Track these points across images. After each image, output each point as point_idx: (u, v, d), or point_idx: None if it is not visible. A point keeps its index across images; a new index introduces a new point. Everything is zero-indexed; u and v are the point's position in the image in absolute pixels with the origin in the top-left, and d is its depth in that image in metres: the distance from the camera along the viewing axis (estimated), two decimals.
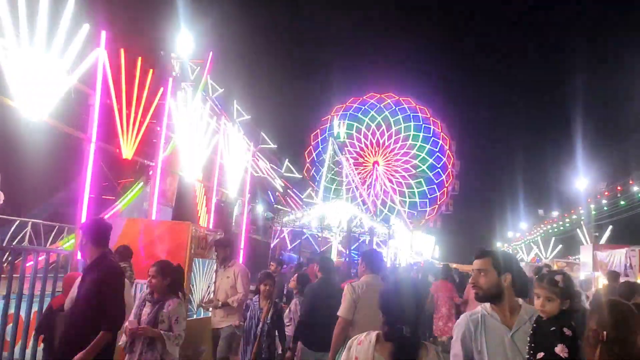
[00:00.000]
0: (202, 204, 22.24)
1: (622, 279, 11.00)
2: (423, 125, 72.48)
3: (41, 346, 6.25)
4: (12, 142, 12.59)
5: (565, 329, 3.12)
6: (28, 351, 6.66)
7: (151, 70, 10.98)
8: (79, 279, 5.11)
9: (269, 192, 38.49)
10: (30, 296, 6.60)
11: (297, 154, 63.97)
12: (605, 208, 37.76)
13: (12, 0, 7.55)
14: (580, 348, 3.03)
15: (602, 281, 18.87)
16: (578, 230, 40.01)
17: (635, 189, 33.58)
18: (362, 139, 73.00)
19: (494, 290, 3.43)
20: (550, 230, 59.86)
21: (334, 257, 32.92)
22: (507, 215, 72.27)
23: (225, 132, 16.67)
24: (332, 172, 56.75)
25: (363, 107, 74.49)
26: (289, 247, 37.82)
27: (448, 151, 71.68)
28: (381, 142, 72.79)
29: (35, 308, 6.72)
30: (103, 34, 9.03)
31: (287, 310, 8.24)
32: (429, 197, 71.65)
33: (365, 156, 72.28)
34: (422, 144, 72.02)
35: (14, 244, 10.73)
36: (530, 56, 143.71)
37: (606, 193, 37.16)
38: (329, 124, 67.81)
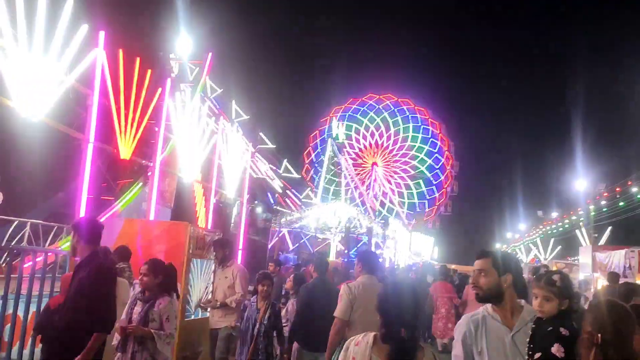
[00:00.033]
0: (200, 204, 22.22)
1: (621, 280, 11.01)
2: (422, 126, 72.50)
3: (39, 347, 6.23)
4: (10, 142, 12.57)
5: (562, 329, 3.11)
6: (26, 351, 6.65)
7: (149, 71, 10.97)
8: None
9: (269, 193, 38.44)
10: (28, 296, 6.58)
11: (295, 154, 63.96)
12: (605, 209, 37.74)
13: (10, 0, 7.54)
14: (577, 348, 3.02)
15: (601, 282, 18.88)
16: (577, 231, 39.91)
17: (634, 190, 33.58)
18: (361, 140, 73.01)
19: (495, 290, 3.42)
20: (549, 232, 59.81)
21: (332, 258, 32.91)
22: (506, 216, 72.23)
23: (223, 132, 16.66)
24: (331, 173, 56.75)
25: (362, 108, 74.50)
26: (291, 247, 37.83)
27: (447, 152, 71.69)
28: (380, 143, 72.80)
29: (33, 308, 6.71)
30: (101, 34, 9.03)
31: (284, 311, 8.22)
32: (427, 198, 71.71)
33: (364, 157, 72.29)
34: (421, 145, 72.04)
35: (12, 244, 10.72)
36: (530, 57, 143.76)
37: (605, 194, 37.12)
38: (327, 125, 67.82)
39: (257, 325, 6.55)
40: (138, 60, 10.40)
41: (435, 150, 71.93)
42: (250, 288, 8.12)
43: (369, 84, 77.07)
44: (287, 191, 42.73)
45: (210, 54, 26.23)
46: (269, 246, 31.07)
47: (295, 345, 6.77)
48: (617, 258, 18.27)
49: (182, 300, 7.37)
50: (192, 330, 7.82)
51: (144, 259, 7.25)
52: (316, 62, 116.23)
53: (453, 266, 30.52)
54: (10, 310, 6.42)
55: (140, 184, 18.45)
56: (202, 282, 8.27)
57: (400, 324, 3.03)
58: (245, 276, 8.28)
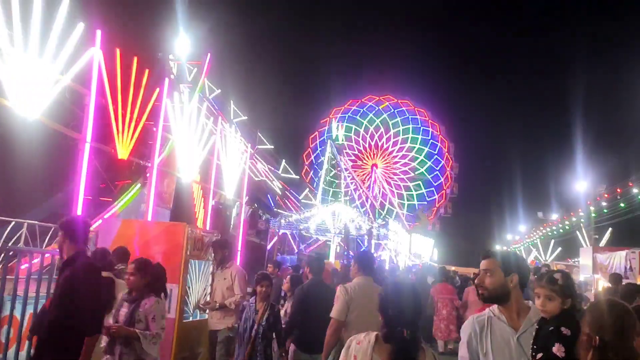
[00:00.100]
0: (200, 205, 22.17)
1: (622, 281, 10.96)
2: (422, 127, 72.48)
3: None
4: (8, 142, 12.52)
5: (562, 328, 3.05)
6: (22, 353, 6.59)
7: (147, 71, 10.92)
8: None
9: (268, 195, 38.39)
10: (24, 298, 6.52)
11: (294, 155, 63.95)
12: (605, 210, 37.71)
13: None
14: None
15: (602, 283, 18.86)
16: (577, 232, 39.96)
17: (635, 191, 33.55)
18: (361, 142, 72.98)
19: (500, 290, 3.38)
20: (549, 233, 59.85)
21: (332, 259, 32.85)
22: (506, 217, 72.29)
23: (222, 132, 16.61)
24: (331, 174, 56.72)
25: (362, 110, 74.48)
26: (296, 250, 37.77)
27: (447, 154, 71.66)
28: (380, 144, 72.79)
29: (30, 310, 6.65)
30: (98, 33, 8.97)
31: (283, 312, 8.17)
32: (427, 199, 71.64)
33: (364, 159, 72.28)
34: (421, 147, 72.02)
35: (9, 245, 10.65)
36: (530, 58, 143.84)
37: (606, 195, 37.09)
38: (327, 127, 67.82)
39: (255, 327, 6.49)
40: (135, 59, 10.34)
41: (435, 152, 71.90)
42: (250, 289, 8.06)
43: (368, 85, 77.15)
44: (286, 192, 42.67)
45: (208, 54, 26.25)
46: (268, 247, 31.01)
47: (291, 347, 6.73)
48: (618, 259, 18.27)
49: (181, 301, 7.32)
50: (191, 332, 7.78)
51: None
52: (315, 63, 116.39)
53: (453, 268, 30.52)
54: (6, 312, 6.36)
55: (139, 185, 18.41)
56: (200, 283, 8.22)
57: (402, 323, 3.04)
58: (244, 277, 8.25)
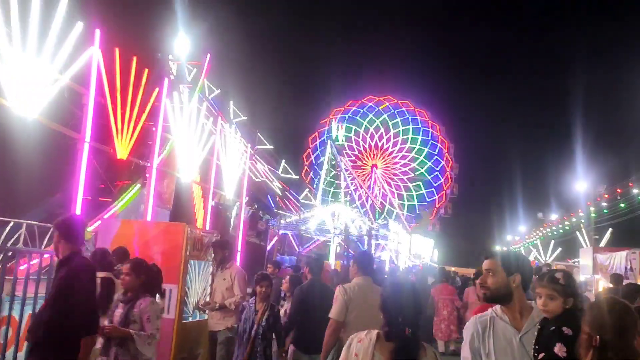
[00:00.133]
0: (199, 206, 22.12)
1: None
2: (422, 128, 72.46)
3: None
4: (5, 142, 12.47)
5: (564, 328, 3.02)
6: (21, 354, 6.55)
7: (146, 70, 10.89)
8: None
9: (269, 196, 38.33)
10: (23, 298, 6.49)
11: (294, 155, 63.83)
12: (605, 211, 37.68)
13: None
14: None
15: (602, 284, 18.84)
16: (577, 233, 39.91)
17: (635, 191, 33.53)
18: (361, 142, 72.96)
19: (502, 290, 3.36)
20: (549, 234, 59.86)
21: (332, 260, 32.82)
22: (506, 218, 72.25)
23: (222, 133, 16.58)
24: (331, 175, 56.68)
25: (362, 110, 74.46)
26: (297, 250, 37.74)
27: (447, 154, 71.65)
28: (380, 145, 72.77)
29: (29, 311, 6.61)
30: (97, 32, 8.93)
31: (283, 313, 8.15)
32: (427, 200, 71.61)
33: (364, 159, 72.26)
34: (421, 147, 72.00)
35: (8, 245, 10.61)
36: (530, 59, 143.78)
37: (606, 196, 37.07)
38: (327, 127, 67.79)
39: (255, 327, 6.45)
40: (135, 59, 10.30)
41: (435, 153, 71.88)
42: (250, 290, 8.04)
43: (368, 85, 77.12)
44: (286, 192, 42.61)
45: (208, 54, 26.18)
46: (268, 248, 30.97)
47: (291, 347, 6.71)
48: (618, 260, 18.22)
49: (180, 302, 7.29)
50: (190, 333, 7.75)
51: None
52: (315, 63, 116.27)
53: (453, 268, 30.48)
54: (5, 313, 6.32)
55: (139, 185, 18.36)
56: (200, 283, 8.20)
57: (404, 322, 3.07)
58: (243, 278, 8.23)
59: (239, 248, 17.43)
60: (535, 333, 3.17)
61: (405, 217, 62.26)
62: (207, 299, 8.18)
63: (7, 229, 11.55)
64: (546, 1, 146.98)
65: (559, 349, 2.96)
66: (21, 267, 7.01)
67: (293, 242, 38.78)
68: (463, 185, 74.10)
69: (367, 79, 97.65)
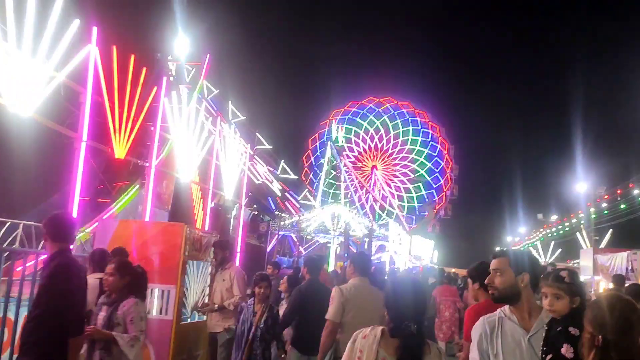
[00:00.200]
0: (199, 207, 22.06)
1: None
2: (422, 129, 72.46)
3: None
4: (1, 140, 12.38)
5: (571, 328, 2.93)
6: (17, 356, 6.46)
7: (144, 69, 10.81)
8: None
9: (269, 198, 38.31)
10: (18, 299, 6.40)
11: (294, 155, 63.74)
12: (605, 212, 37.63)
13: None
14: None
15: (602, 285, 18.79)
16: (578, 234, 39.84)
17: (635, 192, 33.50)
18: (361, 144, 72.95)
19: (510, 290, 3.29)
20: (549, 234, 59.82)
21: (332, 260, 32.80)
22: (506, 219, 72.07)
23: (221, 133, 16.52)
24: (331, 176, 56.66)
25: (362, 112, 74.45)
26: (293, 251, 37.73)
27: (447, 155, 71.62)
28: (380, 146, 72.77)
29: (24, 312, 6.52)
30: (94, 30, 8.84)
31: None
32: (427, 201, 71.56)
33: (364, 160, 72.25)
34: (421, 149, 71.99)
35: (4, 246, 10.52)
36: (530, 60, 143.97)
37: (606, 197, 37.04)
38: (327, 129, 67.79)
39: (253, 329, 6.37)
40: (132, 57, 10.22)
41: (435, 154, 71.87)
42: (249, 291, 7.97)
43: (368, 86, 77.12)
44: (286, 194, 42.59)
45: (208, 55, 26.15)
46: (268, 249, 30.95)
47: (290, 348, 6.64)
48: (619, 260, 18.18)
49: (178, 302, 7.21)
50: (189, 334, 7.67)
51: (139, 260, 7.10)
52: (315, 63, 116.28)
53: (453, 270, 30.40)
54: (0, 314, 6.24)
55: (137, 186, 18.30)
56: (198, 284, 8.12)
57: (409, 318, 3.06)
58: (243, 278, 8.17)
59: (239, 249, 17.36)
60: (544, 334, 3.09)
61: (405, 218, 62.26)
62: (206, 299, 8.11)
63: (4, 229, 11.46)
64: (546, 1, 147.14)
65: (566, 350, 2.88)
66: (18, 269, 6.90)
67: (293, 243, 38.75)
68: (463, 186, 74.13)
69: (367, 79, 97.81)
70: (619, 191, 36.26)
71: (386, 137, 72.70)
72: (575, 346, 2.84)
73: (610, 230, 37.58)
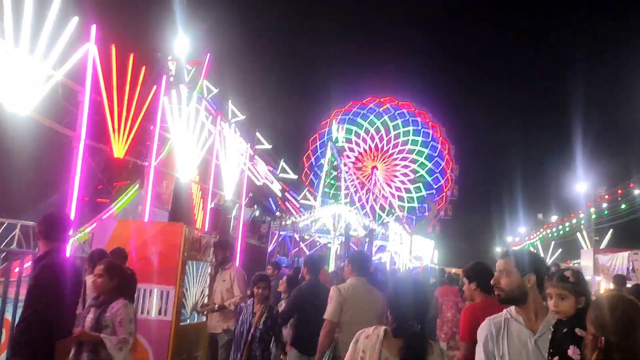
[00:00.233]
0: (198, 207, 21.99)
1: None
2: (422, 129, 72.51)
3: None
4: (0, 140, 12.35)
5: (577, 329, 2.87)
6: None
7: (144, 68, 10.74)
8: None
9: (270, 198, 38.24)
10: (15, 300, 6.36)
11: (294, 156, 63.70)
12: (606, 212, 37.55)
13: None
14: None
15: (603, 285, 18.76)
16: (578, 234, 39.77)
17: (636, 192, 33.46)
18: (361, 144, 72.97)
19: (517, 291, 3.25)
20: (549, 235, 59.73)
21: (332, 261, 32.77)
22: (506, 219, 71.94)
23: (221, 133, 16.46)
24: (331, 176, 56.61)
25: (362, 112, 74.48)
26: (293, 251, 37.71)
27: (447, 156, 71.67)
28: (380, 146, 72.77)
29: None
30: (93, 28, 8.78)
31: None
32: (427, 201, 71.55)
33: (364, 161, 72.25)
34: (421, 149, 72.04)
35: (2, 246, 10.48)
36: (531, 60, 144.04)
37: (606, 197, 36.97)
38: (327, 129, 67.80)
39: (252, 330, 6.31)
40: (132, 56, 10.16)
41: (436, 154, 71.92)
42: (250, 291, 7.93)
43: (368, 86, 77.24)
44: (286, 194, 42.53)
45: (208, 55, 26.09)
46: (269, 250, 30.91)
47: (290, 349, 6.61)
48: (620, 261, 18.18)
49: (177, 303, 7.16)
50: (189, 335, 7.64)
51: (138, 261, 7.08)
52: (315, 63, 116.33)
53: (453, 270, 30.34)
54: None
55: (137, 186, 18.24)
56: (198, 285, 8.07)
57: (413, 318, 3.07)
58: (243, 278, 8.13)
59: (239, 249, 17.29)
60: (550, 336, 3.04)
61: (405, 218, 62.24)
62: (206, 300, 8.06)
63: (1, 229, 11.41)
64: (546, 1, 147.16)
65: (572, 351, 2.84)
66: (16, 270, 6.85)
67: (291, 243, 38.70)
68: (463, 187, 74.16)
69: (367, 79, 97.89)
70: (619, 191, 36.19)
71: (386, 137, 72.77)
72: (582, 348, 2.79)
73: (611, 230, 37.53)
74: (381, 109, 73.92)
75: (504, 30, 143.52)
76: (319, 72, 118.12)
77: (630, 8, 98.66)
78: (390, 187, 70.79)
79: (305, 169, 71.29)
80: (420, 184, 71.71)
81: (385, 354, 3.05)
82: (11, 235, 11.36)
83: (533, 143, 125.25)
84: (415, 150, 71.95)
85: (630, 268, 17.23)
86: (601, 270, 20.09)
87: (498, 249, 66.27)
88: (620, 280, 10.96)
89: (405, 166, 72.16)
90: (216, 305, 7.83)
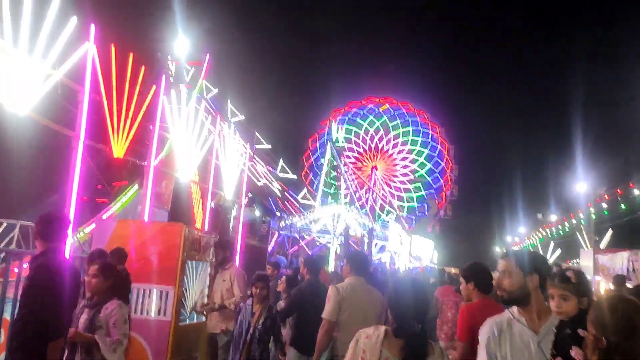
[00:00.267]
0: (198, 207, 21.96)
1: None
2: (422, 129, 72.56)
3: None
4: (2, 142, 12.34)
5: (580, 330, 2.83)
6: None
7: (143, 67, 10.72)
8: None
9: (270, 199, 38.24)
10: (14, 300, 6.33)
11: (294, 155, 63.72)
12: (606, 212, 37.53)
13: None
14: None
15: (603, 285, 18.73)
16: (577, 234, 39.75)
17: (635, 192, 33.44)
18: (361, 144, 73.01)
19: (519, 292, 3.23)
20: (549, 235, 59.71)
21: (332, 261, 32.77)
22: (505, 219, 71.96)
23: (220, 133, 16.44)
24: (331, 176, 56.62)
25: (362, 112, 74.51)
26: (291, 250, 37.70)
27: (447, 156, 71.71)
28: (380, 147, 72.79)
29: None
30: (92, 27, 8.76)
31: None
32: (427, 202, 71.59)
33: (364, 161, 72.26)
34: (421, 149, 72.09)
35: (1, 247, 10.46)
36: (530, 60, 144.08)
37: (606, 197, 36.95)
38: (327, 129, 67.82)
39: (251, 330, 6.29)
40: (131, 55, 10.14)
41: (435, 154, 71.97)
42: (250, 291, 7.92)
43: (368, 86, 77.36)
44: (286, 193, 42.53)
45: (207, 55, 26.05)
46: (269, 250, 30.89)
47: (289, 349, 6.61)
48: (620, 261, 18.13)
49: (177, 303, 7.15)
50: (188, 335, 7.63)
51: (137, 261, 7.07)
52: (315, 64, 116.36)
53: (453, 270, 30.33)
54: None
55: (136, 186, 18.21)
56: (197, 285, 8.05)
57: (413, 318, 3.07)
58: (243, 278, 8.11)
59: (238, 249, 17.27)
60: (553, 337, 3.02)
61: (405, 218, 62.25)
62: (205, 300, 8.05)
63: (1, 230, 11.40)
64: (546, 2, 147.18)
65: (575, 352, 2.80)
66: (15, 270, 6.83)
67: (295, 243, 38.70)
68: (463, 187, 74.22)
69: (367, 79, 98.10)
70: (619, 191, 36.17)
71: (386, 137, 72.80)
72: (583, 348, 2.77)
73: (610, 230, 37.51)
74: (381, 109, 73.97)
75: (504, 30, 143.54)
76: (318, 72, 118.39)
77: (630, 8, 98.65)
78: (390, 187, 70.78)
79: (305, 168, 71.30)
80: (420, 184, 71.73)
81: (386, 354, 3.04)
82: (10, 236, 11.34)
83: (533, 143, 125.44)
84: (414, 150, 72.02)
85: (630, 268, 17.20)
86: (601, 270, 20.06)
87: (498, 249, 66.33)
88: (620, 280, 10.95)
89: (405, 166, 72.22)
90: (216, 305, 7.81)
